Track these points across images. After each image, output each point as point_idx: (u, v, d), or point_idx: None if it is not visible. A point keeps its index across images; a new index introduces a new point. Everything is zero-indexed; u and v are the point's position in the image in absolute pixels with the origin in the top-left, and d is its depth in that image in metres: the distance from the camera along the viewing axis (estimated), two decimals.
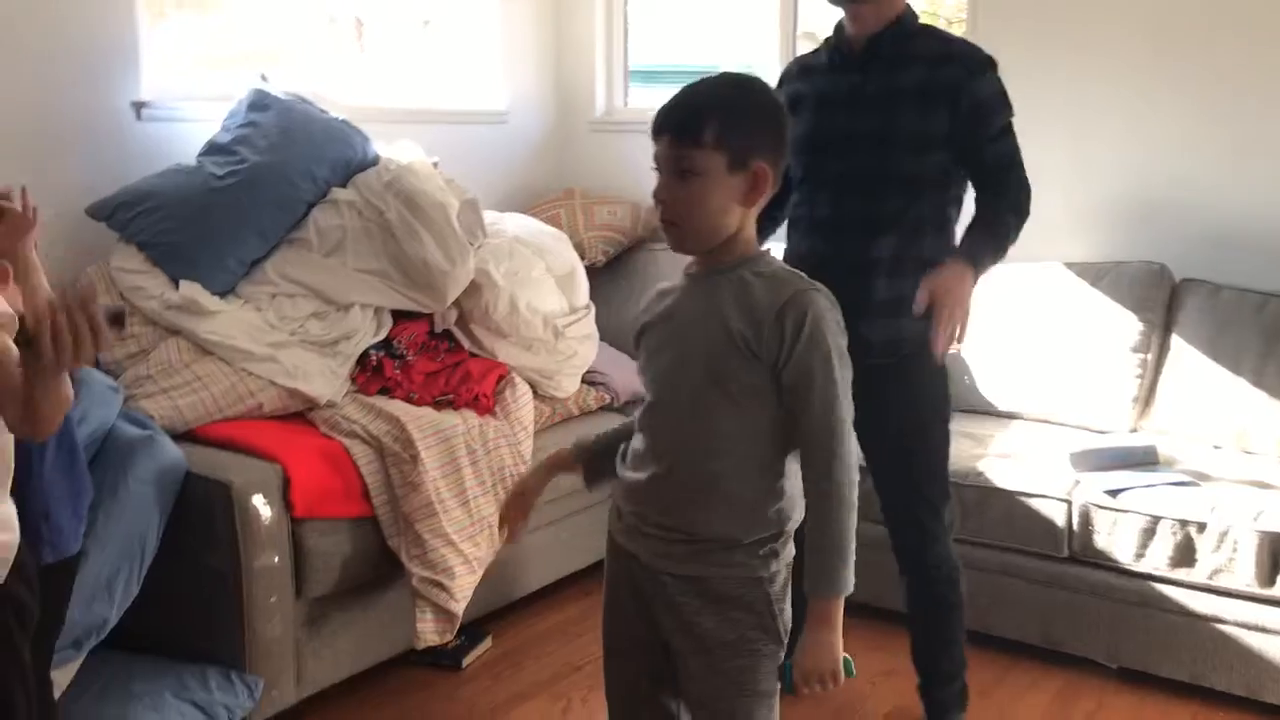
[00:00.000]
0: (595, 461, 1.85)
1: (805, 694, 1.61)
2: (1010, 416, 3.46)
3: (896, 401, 2.39)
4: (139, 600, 2.41)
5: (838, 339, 1.59)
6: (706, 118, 1.56)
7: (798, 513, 1.66)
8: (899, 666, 2.65)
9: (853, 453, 1.60)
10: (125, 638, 2.44)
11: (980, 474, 3.02)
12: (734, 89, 1.63)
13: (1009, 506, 2.96)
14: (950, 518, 2.50)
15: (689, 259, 1.69)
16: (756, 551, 1.62)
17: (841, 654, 1.61)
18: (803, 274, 1.63)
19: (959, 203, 2.45)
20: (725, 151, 1.56)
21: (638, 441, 1.70)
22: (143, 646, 2.54)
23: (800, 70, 2.52)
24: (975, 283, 2.27)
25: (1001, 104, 2.38)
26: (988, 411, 3.46)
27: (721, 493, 1.61)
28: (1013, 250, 3.68)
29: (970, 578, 2.55)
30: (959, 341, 2.21)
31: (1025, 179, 2.41)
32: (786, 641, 1.68)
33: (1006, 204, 2.39)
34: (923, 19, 2.45)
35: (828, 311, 1.58)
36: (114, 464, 2.41)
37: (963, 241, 2.38)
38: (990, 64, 2.37)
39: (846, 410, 1.59)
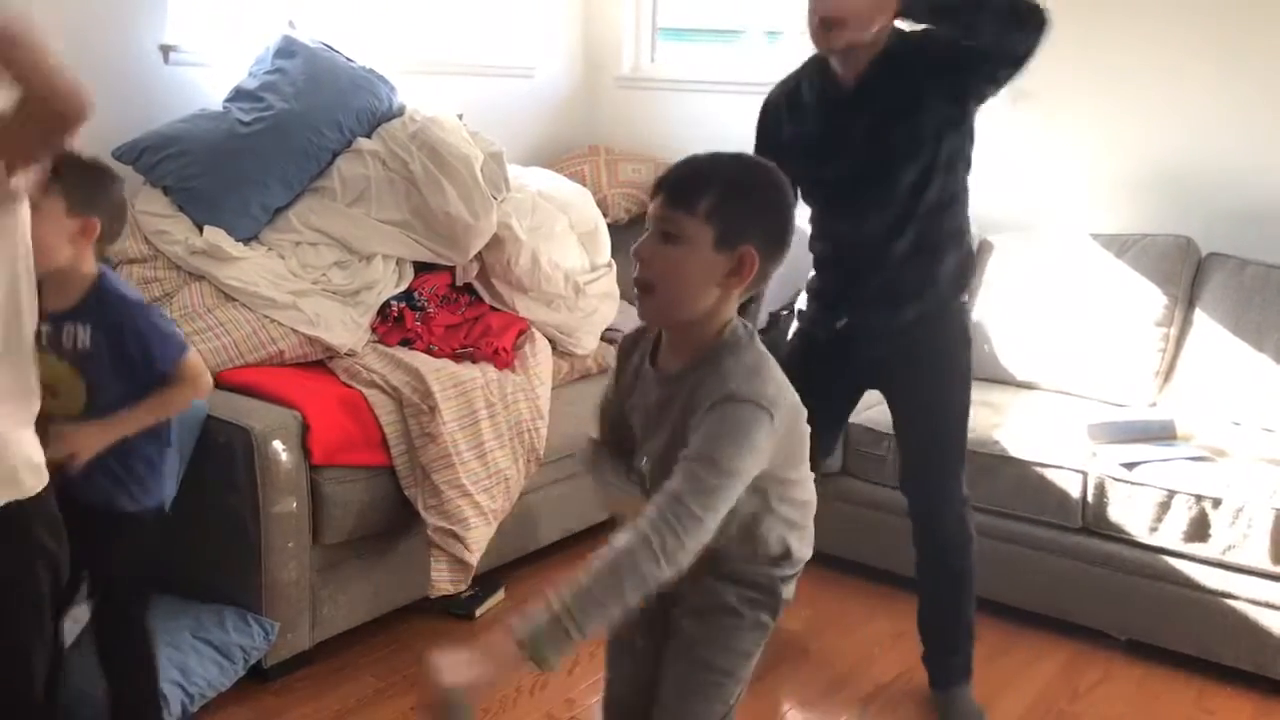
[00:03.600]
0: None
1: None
2: (1028, 387, 3.45)
3: (924, 369, 2.43)
4: (159, 540, 2.44)
5: (750, 437, 1.47)
6: (705, 187, 1.51)
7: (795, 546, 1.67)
8: (907, 631, 2.67)
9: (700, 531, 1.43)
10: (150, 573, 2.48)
11: (996, 443, 3.01)
12: (743, 169, 1.58)
13: (1023, 476, 2.97)
14: (967, 488, 2.51)
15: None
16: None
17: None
18: (763, 375, 1.53)
19: (968, 162, 2.41)
20: (715, 226, 1.50)
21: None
22: (161, 587, 2.58)
23: (789, 105, 2.42)
24: None
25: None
26: (1006, 381, 3.45)
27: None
28: (1039, 219, 3.68)
29: (981, 546, 2.56)
30: None
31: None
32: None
33: None
34: None
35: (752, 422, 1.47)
36: None
37: None
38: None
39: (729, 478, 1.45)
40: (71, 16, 2.93)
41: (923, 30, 2.30)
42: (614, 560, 1.39)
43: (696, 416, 1.49)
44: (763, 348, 1.58)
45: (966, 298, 2.51)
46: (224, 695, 2.49)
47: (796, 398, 1.57)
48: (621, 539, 1.40)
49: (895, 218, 2.34)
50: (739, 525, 1.60)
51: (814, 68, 2.40)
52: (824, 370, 2.47)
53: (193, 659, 2.44)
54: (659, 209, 1.53)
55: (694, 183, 1.52)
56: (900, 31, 2.31)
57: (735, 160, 1.59)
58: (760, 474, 1.52)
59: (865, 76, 2.29)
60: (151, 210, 2.93)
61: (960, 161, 2.37)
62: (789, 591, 1.71)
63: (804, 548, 1.70)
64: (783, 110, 2.42)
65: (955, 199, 2.40)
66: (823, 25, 2.23)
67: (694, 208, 1.50)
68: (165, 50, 3.15)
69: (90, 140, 2.92)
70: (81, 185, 1.93)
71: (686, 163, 1.56)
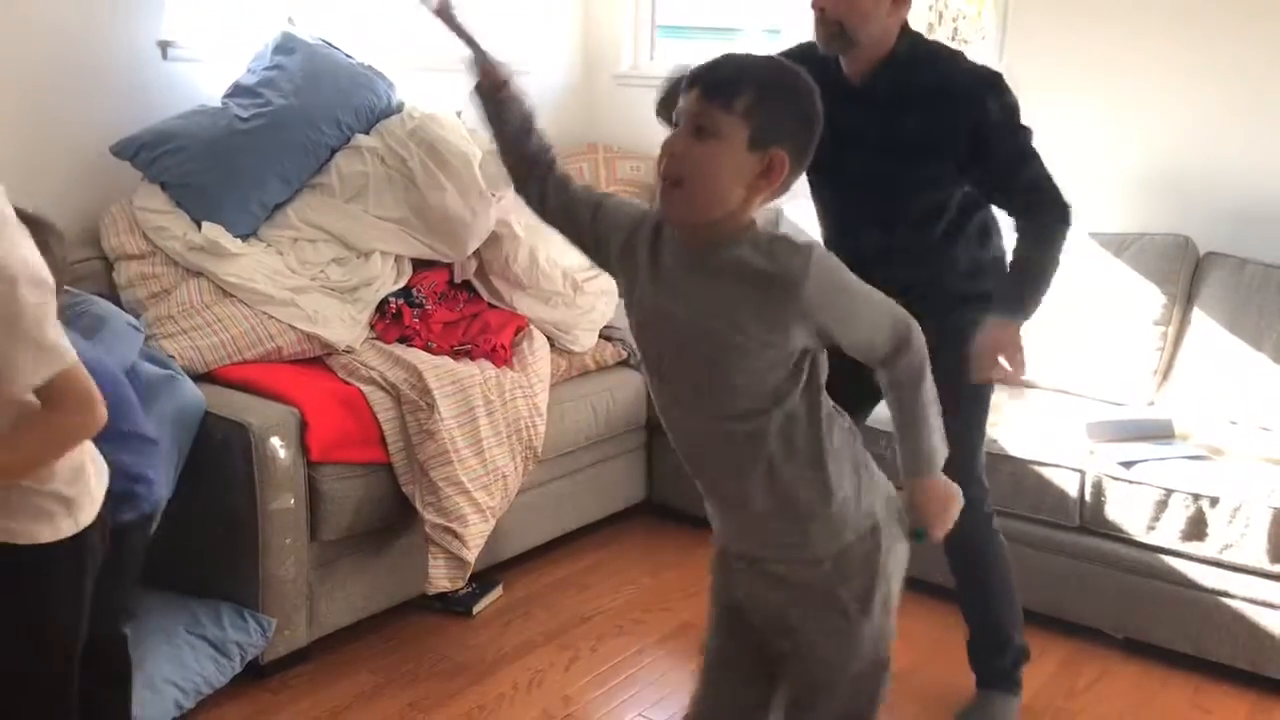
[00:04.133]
0: (497, 94, 1.82)
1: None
2: (1026, 385, 3.44)
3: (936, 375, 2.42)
4: (156, 536, 2.44)
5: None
6: (745, 84, 1.49)
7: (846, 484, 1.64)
8: (949, 640, 2.65)
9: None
10: (142, 573, 2.47)
11: (993, 441, 3.01)
12: (783, 72, 1.55)
13: (1021, 474, 2.97)
14: (985, 494, 2.49)
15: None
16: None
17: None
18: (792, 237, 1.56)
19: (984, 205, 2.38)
20: (750, 124, 1.48)
21: None
22: (158, 583, 2.58)
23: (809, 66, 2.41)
24: (1019, 328, 2.24)
25: (1008, 128, 2.23)
26: (1004, 380, 3.45)
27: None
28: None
29: None
30: (1020, 375, 2.24)
31: (1055, 195, 2.26)
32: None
33: (1041, 233, 2.26)
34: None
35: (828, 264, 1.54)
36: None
37: (999, 289, 2.30)
38: (989, 86, 2.22)
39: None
40: (70, 13, 2.94)
41: (949, 59, 2.26)
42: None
43: (787, 305, 1.49)
44: None
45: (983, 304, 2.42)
46: (220, 692, 2.49)
47: None
48: None
49: (900, 231, 2.32)
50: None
51: (825, 56, 2.31)
52: (838, 372, 2.45)
53: (188, 655, 2.44)
54: (694, 103, 1.49)
55: (733, 78, 1.49)
56: (914, 34, 2.26)
57: (773, 62, 1.58)
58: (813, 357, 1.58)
59: (870, 78, 2.25)
60: (149, 206, 2.92)
61: (973, 209, 2.35)
62: (866, 574, 1.65)
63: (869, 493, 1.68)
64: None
65: (964, 212, 2.35)
66: (823, 21, 2.20)
67: (731, 104, 1.47)
68: (163, 46, 3.14)
69: (88, 135, 2.96)
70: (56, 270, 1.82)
71: (725, 59, 1.54)
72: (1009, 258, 2.37)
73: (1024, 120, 2.27)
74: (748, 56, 1.56)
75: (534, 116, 1.81)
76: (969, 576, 2.52)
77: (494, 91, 1.81)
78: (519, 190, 1.80)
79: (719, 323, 1.53)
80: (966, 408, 2.43)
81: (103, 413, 1.55)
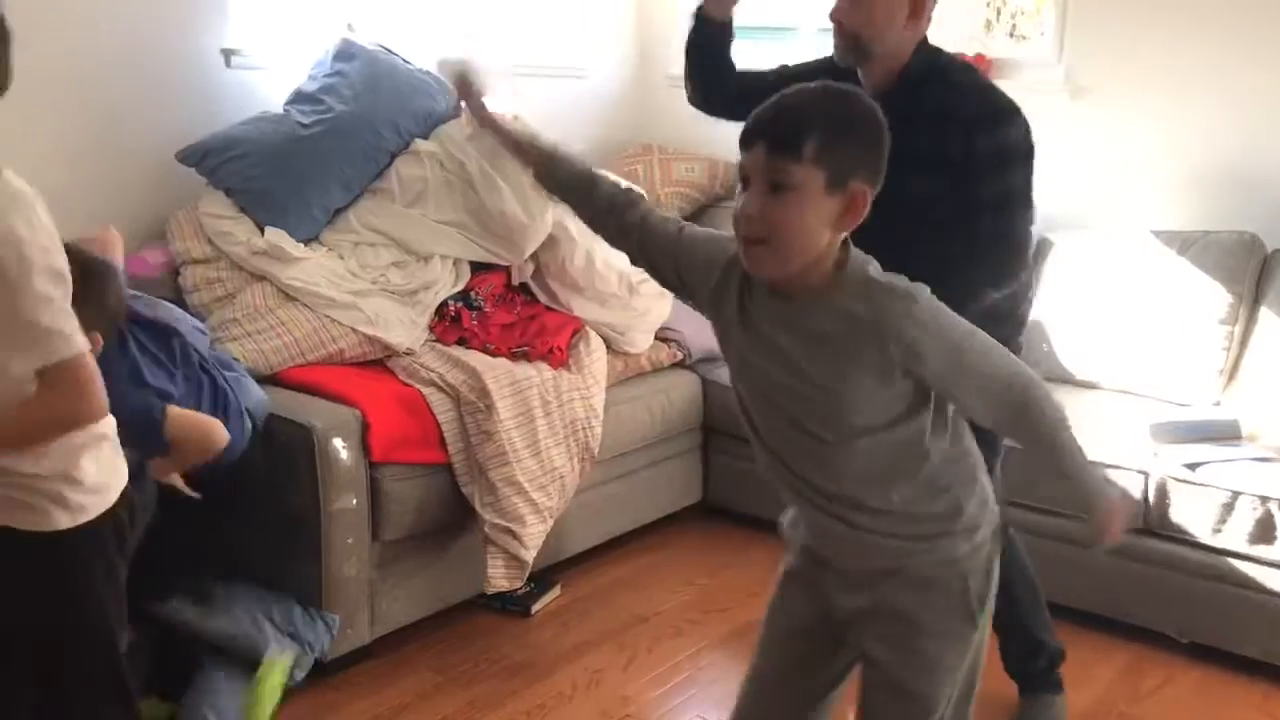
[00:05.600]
0: (551, 173, 1.83)
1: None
2: (1089, 386, 3.40)
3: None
4: (225, 534, 2.49)
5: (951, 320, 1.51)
6: (809, 129, 1.43)
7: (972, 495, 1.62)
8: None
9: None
10: (212, 568, 2.54)
11: None
12: (839, 102, 1.50)
13: None
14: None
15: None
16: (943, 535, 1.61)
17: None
18: (892, 280, 1.51)
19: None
20: (825, 168, 1.43)
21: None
22: (226, 578, 2.63)
23: None
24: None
25: (995, 166, 2.11)
26: (1066, 380, 3.41)
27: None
28: (1099, 216, 3.62)
29: (1041, 546, 2.53)
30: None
31: (1003, 258, 2.15)
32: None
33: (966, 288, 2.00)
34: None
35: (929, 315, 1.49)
36: None
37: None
38: (990, 119, 2.12)
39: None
40: (137, 22, 3.00)
41: (961, 79, 2.20)
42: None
43: (895, 346, 1.46)
44: None
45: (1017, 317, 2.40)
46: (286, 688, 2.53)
47: None
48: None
49: (901, 238, 2.26)
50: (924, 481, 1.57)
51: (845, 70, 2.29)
52: None
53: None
54: (760, 160, 1.45)
55: (796, 126, 1.44)
56: (931, 48, 2.21)
57: (828, 94, 1.51)
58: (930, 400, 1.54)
59: (886, 93, 2.16)
60: (214, 212, 2.98)
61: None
62: (973, 583, 1.62)
63: (985, 510, 1.64)
64: None
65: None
66: (839, 32, 2.18)
67: (800, 153, 1.42)
68: (227, 54, 3.20)
69: (155, 142, 3.02)
70: (98, 310, 1.84)
71: (779, 106, 1.47)
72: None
73: (1024, 168, 2.15)
74: (800, 97, 1.49)
75: (589, 170, 1.81)
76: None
77: (540, 165, 1.84)
78: (612, 243, 1.79)
79: (820, 376, 1.50)
80: None
81: (98, 407, 1.57)
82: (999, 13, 3.96)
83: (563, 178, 1.82)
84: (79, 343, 1.52)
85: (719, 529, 3.55)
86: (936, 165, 2.10)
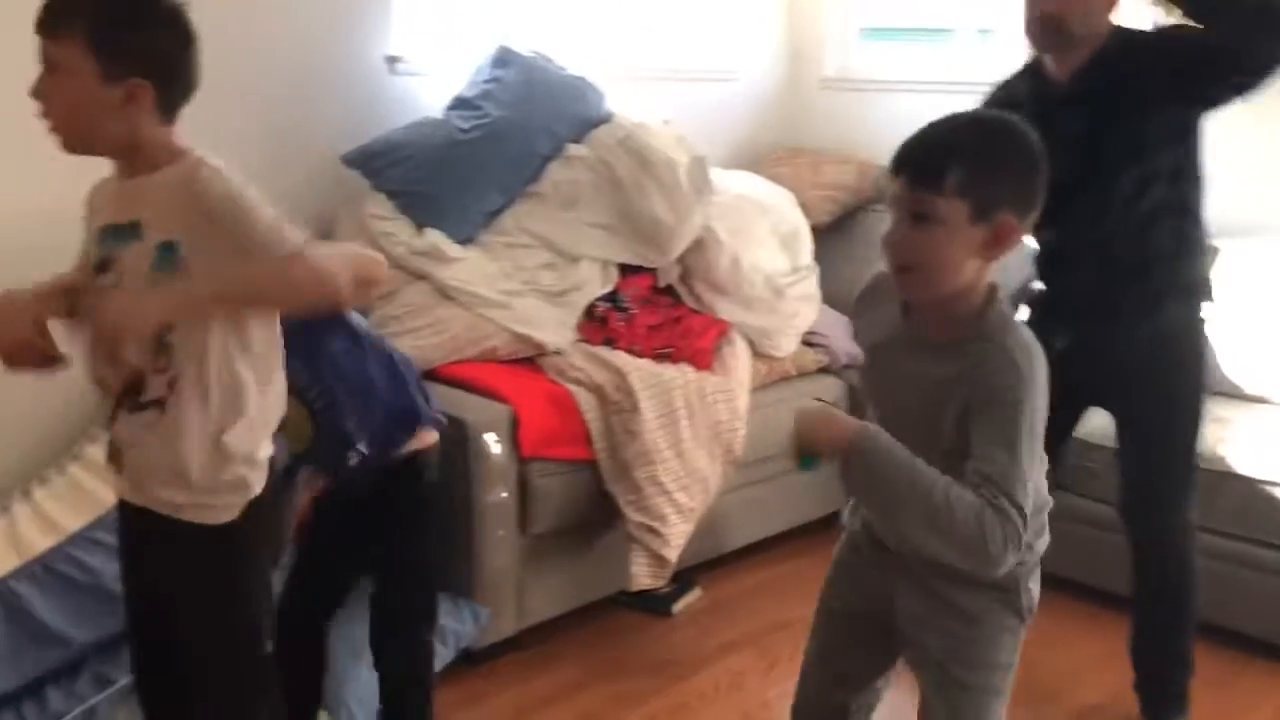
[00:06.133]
0: None
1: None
2: (1259, 400, 3.25)
3: (1148, 392, 2.34)
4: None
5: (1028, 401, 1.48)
6: (952, 162, 1.44)
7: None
8: (1118, 651, 2.55)
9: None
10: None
11: (1220, 458, 2.86)
12: (983, 132, 1.51)
13: (1250, 494, 2.80)
14: (1194, 509, 2.38)
15: None
16: None
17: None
18: (1026, 343, 1.50)
19: (1198, 174, 2.27)
20: (968, 200, 1.44)
21: None
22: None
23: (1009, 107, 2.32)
24: None
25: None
26: (1234, 394, 3.26)
27: None
28: (1270, 220, 3.45)
29: (1204, 567, 2.42)
30: None
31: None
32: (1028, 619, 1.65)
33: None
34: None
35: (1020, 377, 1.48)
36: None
37: None
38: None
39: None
40: (308, 30, 3.14)
41: (1150, 30, 2.21)
42: (939, 485, 1.43)
43: (990, 405, 1.46)
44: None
45: (1201, 314, 2.35)
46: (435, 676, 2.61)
47: None
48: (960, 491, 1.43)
49: (1109, 228, 2.25)
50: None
51: (1028, 68, 2.33)
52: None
53: None
54: (904, 190, 1.47)
55: (938, 158, 1.45)
56: (1122, 28, 2.22)
57: (975, 124, 1.53)
58: None
59: (1082, 74, 2.21)
60: (377, 213, 3.09)
61: (1187, 172, 2.24)
62: (1033, 585, 1.64)
63: (1038, 538, 1.63)
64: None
65: (1180, 210, 2.27)
66: (1043, 21, 2.17)
67: (941, 186, 1.43)
68: (391, 61, 3.32)
69: (322, 145, 3.15)
70: None
71: (925, 137, 1.49)
72: (1209, 241, 2.31)
73: None
74: (949, 124, 1.50)
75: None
76: (1166, 601, 2.41)
77: None
78: None
79: (929, 406, 1.53)
80: (1182, 419, 2.33)
81: (341, 290, 1.62)
82: None
83: None
84: (299, 237, 1.60)
85: None
86: (1141, 111, 2.14)
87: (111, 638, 2.27)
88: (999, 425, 1.46)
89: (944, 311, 1.53)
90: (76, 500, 2.52)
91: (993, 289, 1.52)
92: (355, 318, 2.11)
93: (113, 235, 1.63)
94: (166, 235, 1.57)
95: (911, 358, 1.58)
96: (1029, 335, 1.52)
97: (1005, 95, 2.36)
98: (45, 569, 2.38)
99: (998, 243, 1.47)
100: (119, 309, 1.53)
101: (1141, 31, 2.24)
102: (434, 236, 3.04)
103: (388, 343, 2.21)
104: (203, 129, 1.65)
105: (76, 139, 1.58)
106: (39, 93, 1.56)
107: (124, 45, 1.53)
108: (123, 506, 1.76)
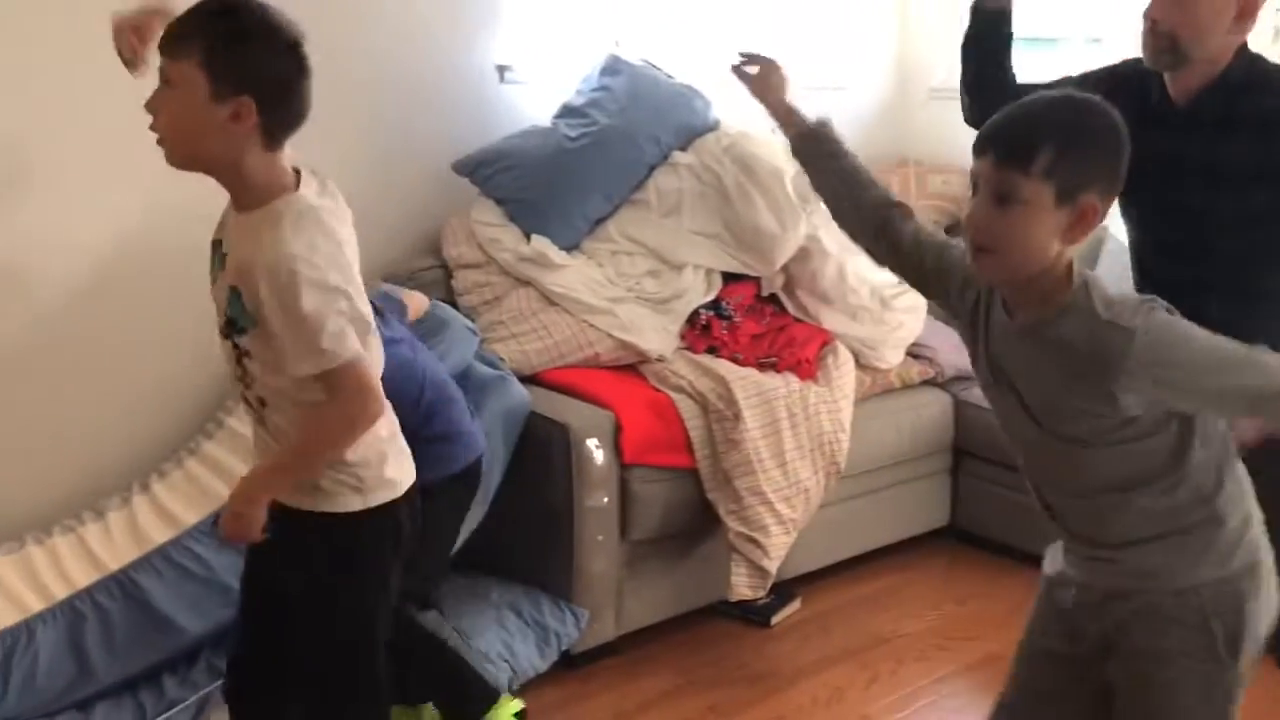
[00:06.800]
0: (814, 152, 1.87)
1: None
2: None
3: None
4: (485, 524, 2.62)
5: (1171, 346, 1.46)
6: (1040, 143, 1.41)
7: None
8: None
9: None
10: (468, 557, 2.65)
11: None
12: (1074, 113, 1.48)
13: None
14: None
15: None
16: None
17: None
18: (1124, 303, 1.48)
19: None
20: (1054, 182, 1.41)
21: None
22: (488, 568, 2.76)
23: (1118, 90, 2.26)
24: None
25: None
26: None
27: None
28: None
29: None
30: None
31: None
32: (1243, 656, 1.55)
33: None
34: None
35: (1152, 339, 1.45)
36: (469, 399, 2.60)
37: None
38: None
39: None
40: (420, 41, 3.20)
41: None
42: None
43: (1120, 379, 1.43)
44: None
45: None
46: (535, 677, 2.62)
47: None
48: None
49: (1206, 256, 2.14)
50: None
51: (1145, 74, 2.18)
52: None
53: (518, 639, 2.60)
54: (989, 169, 1.44)
55: (1027, 139, 1.43)
56: (1253, 56, 2.10)
57: (1065, 105, 1.49)
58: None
59: (1197, 100, 2.09)
60: (485, 220, 3.14)
61: None
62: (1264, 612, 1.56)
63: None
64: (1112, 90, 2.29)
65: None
66: (1154, 35, 2.06)
67: (1029, 167, 1.41)
68: (501, 70, 3.37)
69: (433, 152, 3.21)
70: None
71: (1013, 115, 1.47)
72: None
73: None
74: (1035, 106, 1.48)
75: (863, 169, 1.83)
76: None
77: (817, 148, 1.87)
78: (868, 249, 1.82)
79: (1047, 390, 1.52)
80: None
81: (376, 408, 1.66)
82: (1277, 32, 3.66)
83: (841, 166, 1.83)
84: (351, 348, 1.61)
85: (967, 555, 3.44)
86: (1257, 175, 2.02)
87: (224, 628, 2.33)
88: (1190, 372, 1.45)
89: (1025, 294, 1.52)
90: (192, 494, 2.61)
91: (1070, 267, 1.50)
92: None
93: (215, 250, 1.71)
94: (233, 281, 1.63)
95: (1012, 345, 1.56)
96: (1114, 293, 1.50)
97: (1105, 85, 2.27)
98: (163, 560, 2.46)
99: (1080, 225, 1.45)
100: (234, 524, 1.69)
101: (1271, 80, 2.09)
102: (540, 243, 3.07)
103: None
104: (316, 138, 1.69)
105: (181, 153, 1.62)
106: (152, 106, 1.61)
107: (234, 64, 1.56)
108: None
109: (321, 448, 1.68)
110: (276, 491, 1.70)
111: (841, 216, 1.85)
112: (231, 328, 1.66)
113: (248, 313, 1.62)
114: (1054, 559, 1.69)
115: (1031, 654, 1.71)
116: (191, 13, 1.60)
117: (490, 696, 2.35)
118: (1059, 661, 1.67)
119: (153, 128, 1.62)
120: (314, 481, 1.71)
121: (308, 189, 1.64)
